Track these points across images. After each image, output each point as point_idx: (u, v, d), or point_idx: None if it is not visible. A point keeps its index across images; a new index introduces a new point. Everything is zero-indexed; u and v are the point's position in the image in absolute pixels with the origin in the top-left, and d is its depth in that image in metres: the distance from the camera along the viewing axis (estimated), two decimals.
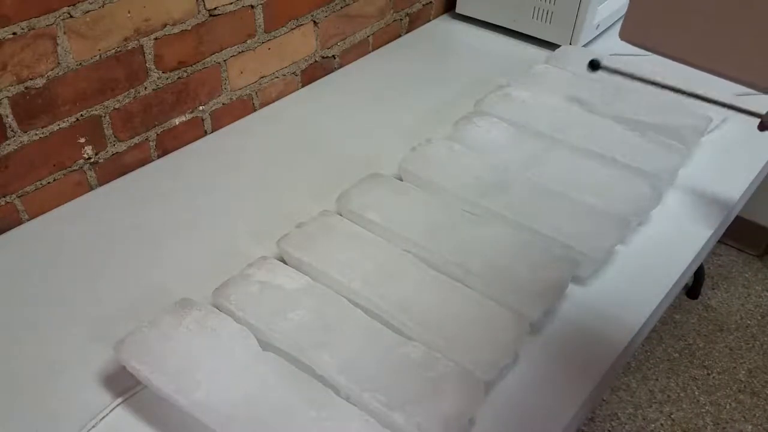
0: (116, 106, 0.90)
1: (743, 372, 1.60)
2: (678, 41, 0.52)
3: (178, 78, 0.96)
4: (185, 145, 1.02)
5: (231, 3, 0.97)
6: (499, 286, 0.73)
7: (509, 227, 0.81)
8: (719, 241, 1.63)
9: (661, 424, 1.49)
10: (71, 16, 0.79)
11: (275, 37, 1.07)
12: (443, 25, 1.38)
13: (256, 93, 1.09)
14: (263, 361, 0.65)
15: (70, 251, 0.83)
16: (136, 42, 0.88)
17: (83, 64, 0.84)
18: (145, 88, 0.92)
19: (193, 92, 0.99)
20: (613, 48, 1.26)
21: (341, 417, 0.60)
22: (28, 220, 0.87)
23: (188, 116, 1.00)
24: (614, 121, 0.99)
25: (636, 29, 0.55)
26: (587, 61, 0.96)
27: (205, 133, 1.04)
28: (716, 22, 0.48)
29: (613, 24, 1.33)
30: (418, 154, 0.91)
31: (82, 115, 0.87)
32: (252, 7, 1.00)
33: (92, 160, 0.91)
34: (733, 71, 0.50)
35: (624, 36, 0.56)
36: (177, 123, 0.99)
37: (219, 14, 0.96)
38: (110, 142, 0.92)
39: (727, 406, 1.53)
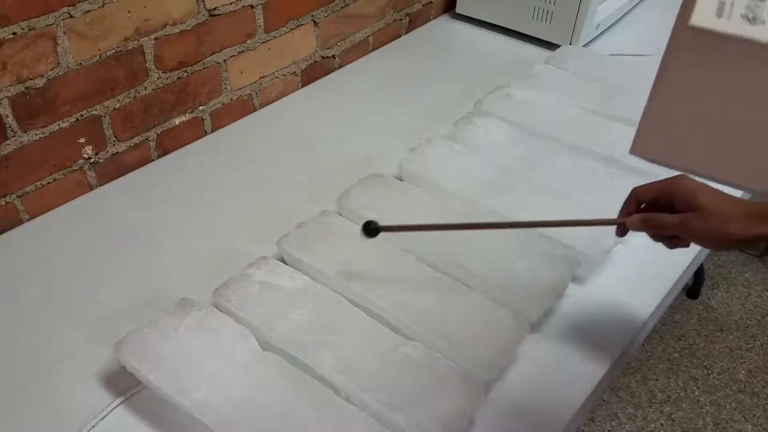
0: (116, 106, 0.90)
1: (743, 372, 1.60)
2: (704, 157, 0.46)
3: (178, 78, 0.96)
4: (185, 145, 1.02)
5: (231, 3, 0.97)
6: (499, 286, 0.73)
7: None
8: None
9: (661, 424, 1.49)
10: (71, 16, 0.79)
11: (275, 37, 1.07)
12: (443, 25, 1.38)
13: (256, 93, 1.09)
14: (263, 361, 0.65)
15: (70, 251, 0.83)
16: (136, 42, 0.88)
17: (83, 64, 0.84)
18: (145, 88, 0.92)
19: (193, 92, 0.99)
20: (612, 48, 1.26)
21: (341, 417, 0.60)
22: (28, 220, 0.87)
23: (188, 116, 1.00)
24: (614, 121, 0.99)
25: (652, 145, 0.48)
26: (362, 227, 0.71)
27: (205, 133, 1.04)
28: (749, 137, 0.43)
29: (613, 24, 1.33)
30: (418, 154, 0.91)
31: (82, 115, 0.87)
32: (252, 7, 1.00)
33: (92, 160, 0.91)
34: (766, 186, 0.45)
35: (637, 151, 0.49)
36: (177, 123, 0.99)
37: (219, 14, 0.96)
38: (110, 142, 0.92)
39: (727, 406, 1.53)
